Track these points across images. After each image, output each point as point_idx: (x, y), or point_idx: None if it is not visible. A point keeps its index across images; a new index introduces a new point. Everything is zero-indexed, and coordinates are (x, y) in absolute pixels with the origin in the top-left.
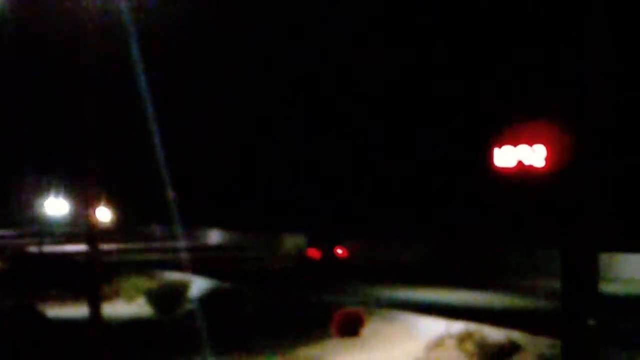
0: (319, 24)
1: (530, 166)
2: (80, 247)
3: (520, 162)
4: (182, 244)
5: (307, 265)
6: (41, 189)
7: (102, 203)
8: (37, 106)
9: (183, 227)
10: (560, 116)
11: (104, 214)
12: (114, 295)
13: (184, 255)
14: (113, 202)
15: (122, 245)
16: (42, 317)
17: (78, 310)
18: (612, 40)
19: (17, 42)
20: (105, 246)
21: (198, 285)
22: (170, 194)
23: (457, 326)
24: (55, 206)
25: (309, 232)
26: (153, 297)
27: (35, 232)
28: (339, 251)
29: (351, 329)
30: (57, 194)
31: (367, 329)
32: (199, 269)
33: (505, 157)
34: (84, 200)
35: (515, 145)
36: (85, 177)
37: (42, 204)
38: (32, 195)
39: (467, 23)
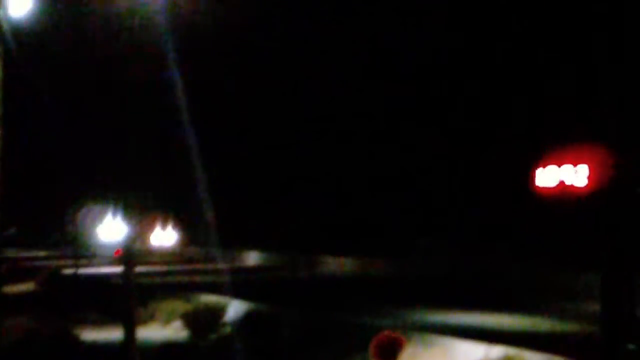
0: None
1: (572, 186)
2: (117, 270)
3: (561, 182)
4: (220, 265)
5: None
6: (90, 211)
7: (167, 224)
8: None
9: (221, 248)
10: (603, 136)
11: (167, 236)
12: (150, 318)
13: (222, 278)
14: (181, 223)
15: (161, 267)
16: (76, 341)
17: (113, 334)
18: None
19: (50, 50)
20: (143, 268)
21: (235, 308)
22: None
23: (497, 351)
24: (110, 230)
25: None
26: (188, 320)
27: (72, 254)
28: None
29: (391, 352)
30: (113, 216)
31: (406, 353)
32: (236, 291)
33: (547, 177)
34: (132, 222)
35: (559, 165)
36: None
37: (93, 227)
38: (74, 216)
39: (510, 38)
